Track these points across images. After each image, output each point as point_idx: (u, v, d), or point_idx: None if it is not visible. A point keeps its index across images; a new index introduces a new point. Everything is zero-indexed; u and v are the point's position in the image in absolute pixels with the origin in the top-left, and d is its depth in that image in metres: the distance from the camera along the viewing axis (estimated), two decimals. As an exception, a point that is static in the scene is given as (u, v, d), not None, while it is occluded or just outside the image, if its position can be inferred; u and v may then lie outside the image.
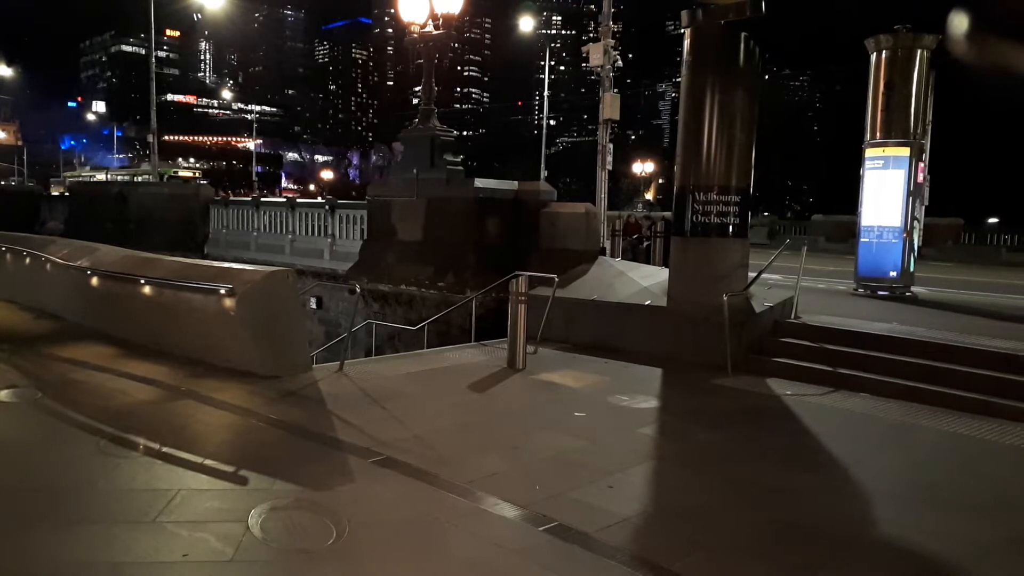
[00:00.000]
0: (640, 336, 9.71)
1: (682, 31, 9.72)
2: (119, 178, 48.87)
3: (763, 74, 11.23)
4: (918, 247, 13.61)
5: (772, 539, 4.40)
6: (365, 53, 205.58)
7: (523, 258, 11.59)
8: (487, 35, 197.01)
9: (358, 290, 9.19)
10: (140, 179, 42.08)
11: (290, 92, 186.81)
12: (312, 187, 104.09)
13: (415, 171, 13.38)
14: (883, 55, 12.79)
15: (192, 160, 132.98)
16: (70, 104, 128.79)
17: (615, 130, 16.86)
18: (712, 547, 4.23)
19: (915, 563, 4.18)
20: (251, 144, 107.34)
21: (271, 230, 18.84)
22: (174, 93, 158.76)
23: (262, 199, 22.40)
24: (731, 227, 9.45)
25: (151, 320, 8.86)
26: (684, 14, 9.58)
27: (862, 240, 13.24)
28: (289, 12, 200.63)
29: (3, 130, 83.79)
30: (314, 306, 15.11)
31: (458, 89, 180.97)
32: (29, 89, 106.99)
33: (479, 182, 12.95)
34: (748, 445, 6.22)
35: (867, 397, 7.69)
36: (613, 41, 16.30)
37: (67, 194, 32.50)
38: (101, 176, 57.27)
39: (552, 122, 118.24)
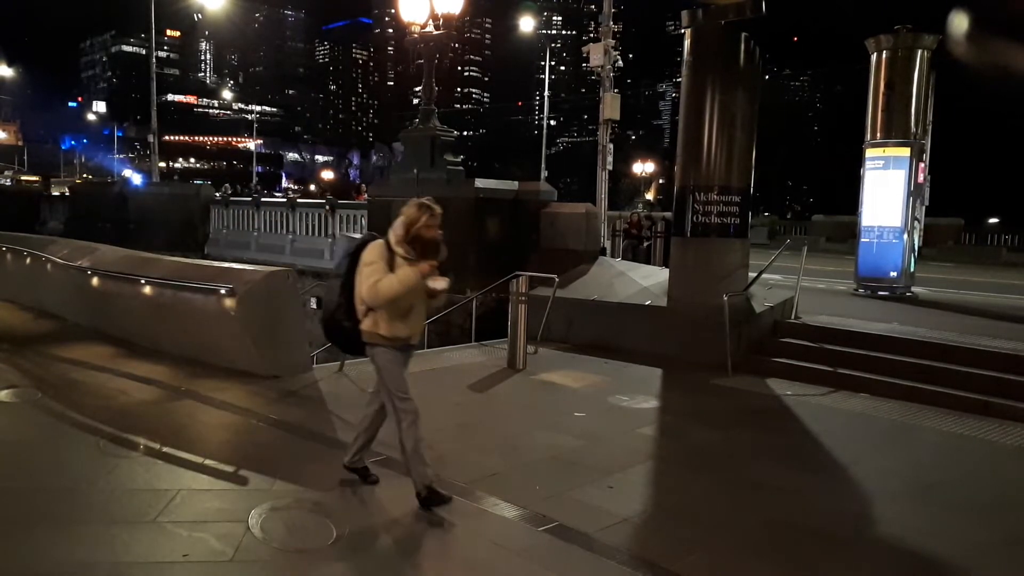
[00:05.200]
0: (640, 336, 9.71)
1: (682, 31, 9.73)
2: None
3: (763, 74, 11.23)
4: (918, 247, 13.61)
5: (772, 539, 4.40)
6: (365, 53, 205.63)
7: (523, 258, 11.60)
8: (487, 35, 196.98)
9: (358, 290, 9.18)
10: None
11: (290, 92, 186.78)
12: (312, 187, 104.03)
13: (415, 171, 13.37)
14: (883, 55, 12.80)
15: (192, 160, 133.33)
16: (70, 104, 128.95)
17: (615, 130, 16.86)
18: (712, 547, 4.23)
19: (915, 563, 4.18)
20: (251, 144, 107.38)
21: (271, 230, 18.84)
22: (174, 93, 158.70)
23: (262, 199, 22.38)
24: (731, 227, 9.46)
25: (151, 320, 8.86)
26: (684, 14, 9.59)
27: (862, 240, 13.24)
28: (289, 12, 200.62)
29: (3, 130, 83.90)
30: (314, 306, 15.08)
31: (458, 89, 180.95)
32: (29, 89, 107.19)
33: (479, 182, 12.94)
34: (748, 445, 6.21)
35: (867, 397, 7.69)
36: (613, 41, 16.30)
37: (67, 194, 32.50)
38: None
39: (552, 122, 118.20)
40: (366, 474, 4.90)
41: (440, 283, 4.44)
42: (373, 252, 4.37)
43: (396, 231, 4.40)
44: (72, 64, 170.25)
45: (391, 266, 4.30)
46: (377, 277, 4.26)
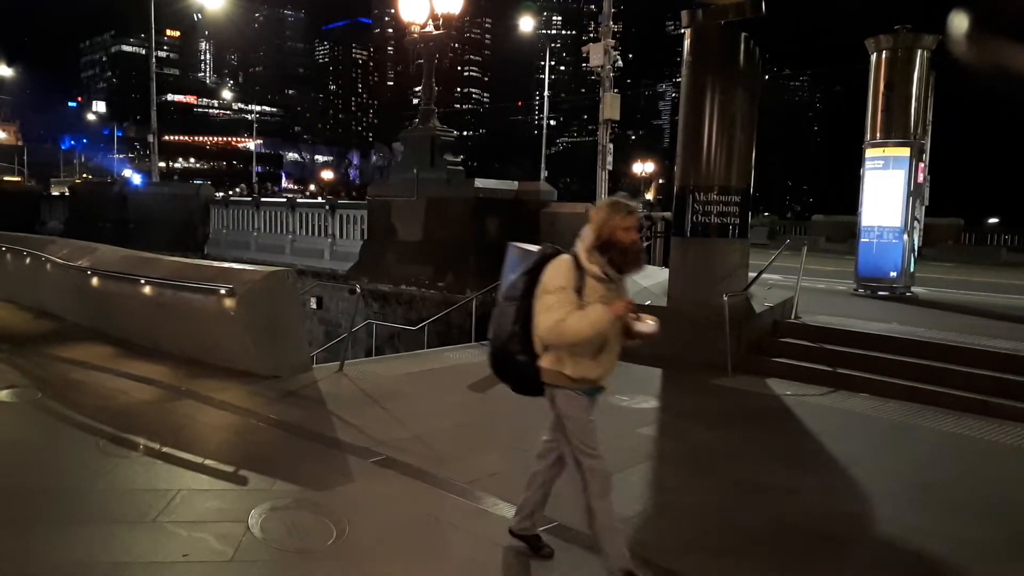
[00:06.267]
0: (640, 336, 9.68)
1: (682, 31, 9.73)
2: None
3: (763, 74, 11.23)
4: (918, 247, 13.61)
5: (772, 539, 4.40)
6: (365, 53, 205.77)
7: (523, 258, 11.59)
8: (487, 35, 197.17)
9: (358, 290, 9.18)
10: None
11: (290, 92, 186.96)
12: (312, 187, 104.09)
13: (415, 171, 13.39)
14: (883, 55, 12.80)
15: (192, 160, 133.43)
16: (70, 104, 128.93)
17: (615, 130, 16.88)
18: (711, 547, 4.23)
19: (914, 563, 4.18)
20: (251, 144, 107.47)
21: (271, 230, 18.85)
22: (174, 93, 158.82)
23: (262, 199, 22.41)
24: (731, 227, 9.46)
25: (151, 320, 8.87)
26: (684, 14, 9.59)
27: (862, 240, 13.24)
28: (289, 12, 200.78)
29: (3, 130, 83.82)
30: (314, 306, 15.11)
31: (458, 89, 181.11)
32: (29, 89, 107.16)
33: (479, 182, 12.96)
34: (748, 445, 6.21)
35: (867, 397, 7.69)
36: (613, 41, 16.32)
37: (67, 194, 32.51)
38: None
39: (552, 122, 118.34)
40: (538, 544, 3.96)
41: (647, 327, 3.53)
42: (558, 274, 3.48)
43: (584, 239, 3.54)
44: (72, 64, 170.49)
45: (580, 290, 3.44)
46: (561, 314, 3.39)
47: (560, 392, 3.59)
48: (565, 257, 3.53)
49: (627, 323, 3.51)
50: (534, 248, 3.78)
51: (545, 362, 3.58)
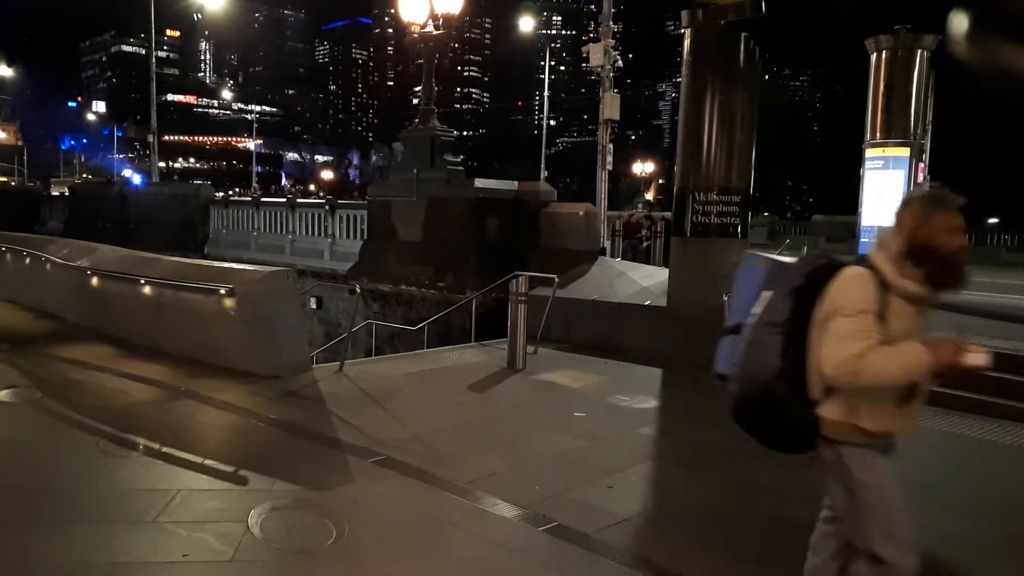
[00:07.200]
0: (640, 336, 9.71)
1: (682, 31, 9.74)
2: None
3: (763, 74, 11.24)
4: (918, 247, 13.59)
5: (772, 539, 4.40)
6: (365, 53, 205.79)
7: (523, 258, 11.61)
8: (487, 35, 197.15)
9: (358, 290, 9.18)
10: None
11: (290, 92, 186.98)
12: (312, 187, 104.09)
13: (415, 171, 13.39)
14: (883, 55, 12.81)
15: (192, 160, 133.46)
16: (70, 104, 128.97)
17: (615, 130, 16.89)
18: (712, 547, 4.23)
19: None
20: (251, 144, 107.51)
21: (271, 230, 18.86)
22: (174, 93, 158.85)
23: (262, 199, 22.41)
24: (731, 227, 9.46)
25: (151, 320, 8.87)
26: (684, 14, 9.59)
27: (862, 240, 13.26)
28: (289, 12, 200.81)
29: (3, 130, 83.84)
30: (314, 306, 15.11)
31: (458, 89, 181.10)
32: (29, 89, 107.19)
33: (479, 182, 12.97)
34: (748, 445, 6.13)
35: (867, 397, 7.67)
36: (613, 41, 16.33)
37: (67, 194, 32.51)
38: None
39: (552, 122, 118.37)
40: None
41: (978, 357, 2.53)
42: (856, 291, 2.59)
43: (888, 246, 2.64)
44: (72, 64, 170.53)
45: (884, 315, 2.56)
46: (860, 346, 2.51)
47: (851, 452, 2.72)
48: (859, 270, 2.64)
49: (956, 364, 2.54)
50: (786, 259, 2.94)
51: (830, 411, 2.70)
